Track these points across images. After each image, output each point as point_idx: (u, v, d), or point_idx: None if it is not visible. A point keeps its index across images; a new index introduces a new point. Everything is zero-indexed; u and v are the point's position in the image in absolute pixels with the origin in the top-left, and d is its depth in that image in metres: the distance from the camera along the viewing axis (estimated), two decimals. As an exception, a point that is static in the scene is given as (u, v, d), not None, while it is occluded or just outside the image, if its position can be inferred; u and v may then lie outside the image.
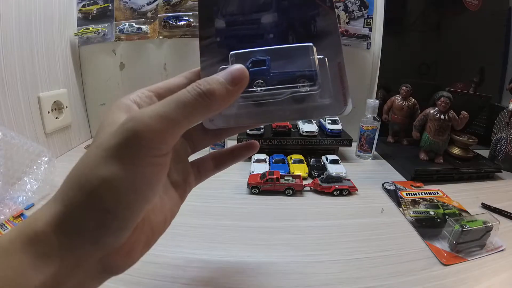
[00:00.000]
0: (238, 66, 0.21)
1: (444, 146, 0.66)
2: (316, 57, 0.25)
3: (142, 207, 0.19)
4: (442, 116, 0.64)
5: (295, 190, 0.57)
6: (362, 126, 0.75)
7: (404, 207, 0.53)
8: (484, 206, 0.53)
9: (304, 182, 0.59)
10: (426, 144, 0.67)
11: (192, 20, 0.78)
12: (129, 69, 0.84)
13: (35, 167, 0.53)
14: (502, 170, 0.68)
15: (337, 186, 0.56)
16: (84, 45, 0.81)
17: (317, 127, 0.75)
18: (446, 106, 0.63)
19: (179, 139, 0.20)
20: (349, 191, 0.57)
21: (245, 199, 0.55)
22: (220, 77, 0.20)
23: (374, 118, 0.73)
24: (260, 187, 0.56)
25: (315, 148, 0.75)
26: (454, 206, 0.53)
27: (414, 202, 0.54)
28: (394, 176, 0.67)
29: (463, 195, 0.57)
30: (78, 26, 0.79)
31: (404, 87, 0.75)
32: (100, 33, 0.79)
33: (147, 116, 0.18)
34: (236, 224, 0.47)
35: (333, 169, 0.63)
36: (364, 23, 0.81)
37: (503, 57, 0.87)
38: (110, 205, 0.17)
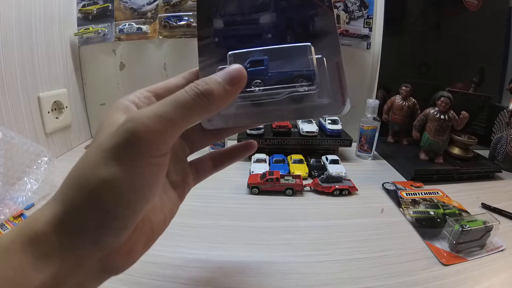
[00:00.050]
0: (236, 66, 0.21)
1: (444, 146, 0.66)
2: (314, 56, 0.25)
3: (142, 207, 0.19)
4: (442, 116, 0.64)
5: (295, 190, 0.57)
6: (362, 126, 0.75)
7: (404, 207, 0.53)
8: (484, 206, 0.53)
9: (304, 182, 0.59)
10: (426, 144, 0.67)
11: (192, 20, 0.78)
12: (129, 69, 0.84)
13: (35, 167, 0.53)
14: (502, 170, 0.68)
15: (337, 186, 0.56)
16: (84, 45, 0.81)
17: (317, 127, 0.75)
18: (446, 106, 0.63)
19: (177, 139, 0.20)
20: (349, 191, 0.57)
21: (245, 199, 0.55)
22: (218, 77, 0.20)
23: (374, 118, 0.73)
24: (260, 187, 0.56)
25: (315, 148, 0.75)
26: (454, 206, 0.53)
27: (414, 202, 0.54)
28: (394, 176, 0.67)
29: (463, 195, 0.57)
30: (78, 26, 0.79)
31: (404, 87, 0.75)
32: (100, 33, 0.79)
33: (145, 117, 0.18)
34: (236, 224, 0.47)
35: (333, 169, 0.63)
36: (364, 23, 0.81)
37: (503, 57, 0.87)
38: (110, 205, 0.18)
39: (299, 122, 0.78)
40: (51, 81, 0.71)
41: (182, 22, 0.78)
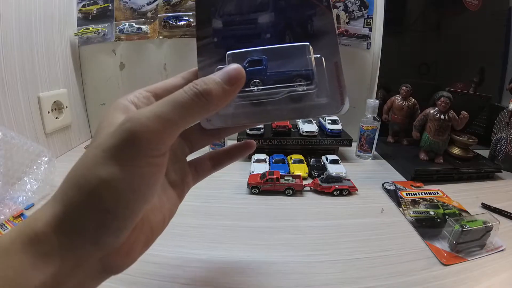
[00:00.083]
0: (234, 66, 0.21)
1: (444, 146, 0.66)
2: (313, 56, 0.25)
3: (141, 207, 0.19)
4: (442, 116, 0.64)
5: (295, 190, 0.57)
6: (362, 126, 0.75)
7: (404, 207, 0.53)
8: (484, 206, 0.53)
9: (304, 182, 0.59)
10: (426, 144, 0.67)
11: (192, 20, 0.78)
12: (129, 69, 0.84)
13: (35, 167, 0.53)
14: (502, 170, 0.68)
15: (337, 186, 0.56)
16: (84, 45, 0.81)
17: (317, 127, 0.75)
18: (446, 106, 0.63)
19: (176, 139, 0.20)
20: (349, 191, 0.57)
21: (245, 199, 0.55)
22: (216, 77, 0.20)
23: (374, 118, 0.73)
24: (260, 187, 0.56)
25: (315, 148, 0.75)
26: (454, 206, 0.53)
27: (414, 202, 0.54)
28: (394, 176, 0.67)
29: (463, 195, 0.57)
30: (78, 26, 0.79)
31: (404, 87, 0.75)
32: (100, 33, 0.80)
33: (144, 117, 0.18)
34: (236, 224, 0.47)
35: (333, 169, 0.63)
36: (364, 23, 0.81)
37: (503, 57, 0.87)
38: (110, 205, 0.18)
39: (299, 122, 0.78)
40: (51, 81, 0.71)
41: (182, 22, 0.78)
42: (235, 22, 0.26)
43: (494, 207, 0.52)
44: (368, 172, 0.69)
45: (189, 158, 0.30)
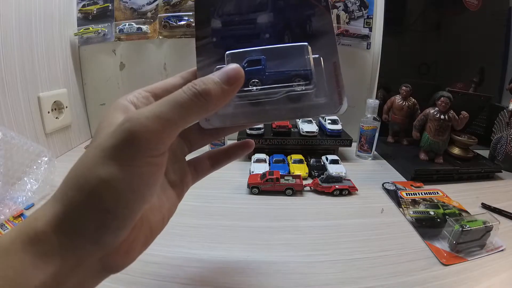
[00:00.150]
0: (233, 66, 0.21)
1: (444, 146, 0.66)
2: (312, 56, 0.25)
3: (141, 207, 0.19)
4: (442, 116, 0.64)
5: (295, 190, 0.57)
6: (362, 126, 0.75)
7: (404, 207, 0.53)
8: (484, 206, 0.53)
9: (304, 182, 0.59)
10: (426, 144, 0.67)
11: (192, 20, 0.78)
12: (129, 69, 0.84)
13: (35, 167, 0.53)
14: (502, 170, 0.68)
15: (337, 186, 0.56)
16: (84, 45, 0.81)
17: (317, 127, 0.75)
18: (446, 106, 0.63)
19: (175, 139, 0.21)
20: (349, 191, 0.57)
21: (245, 199, 0.55)
22: (215, 77, 0.20)
23: (374, 118, 0.73)
24: (260, 187, 0.56)
25: (315, 148, 0.75)
26: (454, 206, 0.53)
27: (414, 202, 0.54)
28: (394, 176, 0.67)
29: (463, 195, 0.57)
30: (78, 26, 0.79)
31: (404, 87, 0.75)
32: (100, 33, 0.80)
33: (144, 117, 0.18)
34: (236, 224, 0.47)
35: (333, 169, 0.63)
36: (364, 23, 0.81)
37: (503, 57, 0.87)
38: (110, 205, 0.18)
39: (299, 122, 0.78)
40: (51, 81, 0.71)
41: (182, 22, 0.78)
42: (234, 22, 0.26)
43: (494, 207, 0.52)
44: (368, 172, 0.69)
45: (188, 157, 0.30)
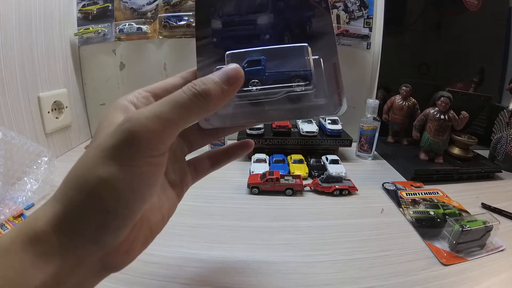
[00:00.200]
0: (233, 66, 0.21)
1: (444, 146, 0.66)
2: (311, 57, 0.25)
3: (141, 206, 0.19)
4: (442, 116, 0.64)
5: (295, 190, 0.57)
6: (362, 126, 0.75)
7: (404, 207, 0.53)
8: (484, 206, 0.53)
9: (304, 182, 0.59)
10: (426, 144, 0.67)
11: (192, 20, 0.78)
12: (129, 69, 0.84)
13: (35, 167, 0.53)
14: (502, 170, 0.68)
15: (337, 186, 0.56)
16: (84, 45, 0.81)
17: (317, 127, 0.75)
18: (446, 106, 0.63)
19: (175, 139, 0.21)
20: (349, 191, 0.57)
21: (245, 199, 0.55)
22: (215, 77, 0.21)
23: (374, 118, 0.73)
24: (260, 187, 0.56)
25: (315, 148, 0.75)
26: (454, 206, 0.53)
27: (414, 202, 0.54)
28: (394, 176, 0.67)
29: (463, 195, 0.57)
30: (78, 26, 0.79)
31: (404, 87, 0.75)
32: (100, 33, 0.80)
33: (144, 117, 0.18)
34: (236, 224, 0.47)
35: (333, 169, 0.63)
36: (364, 23, 0.81)
37: (503, 57, 0.87)
38: (110, 205, 0.18)
39: (299, 122, 0.78)
40: (51, 81, 0.71)
41: (182, 22, 0.78)
42: (234, 22, 0.26)
43: (494, 207, 0.52)
44: (368, 172, 0.69)
45: (188, 157, 0.30)
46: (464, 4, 0.81)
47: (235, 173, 0.64)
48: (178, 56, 0.82)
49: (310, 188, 0.59)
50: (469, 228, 0.40)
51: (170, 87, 0.25)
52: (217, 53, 0.26)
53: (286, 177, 0.58)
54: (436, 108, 0.65)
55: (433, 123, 0.65)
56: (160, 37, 0.80)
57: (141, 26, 0.79)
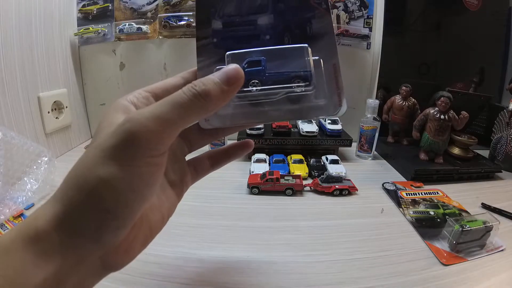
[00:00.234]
0: (233, 66, 0.21)
1: (444, 146, 0.66)
2: (311, 58, 0.25)
3: (141, 206, 0.19)
4: (442, 116, 0.64)
5: (295, 190, 0.57)
6: (362, 126, 0.75)
7: (404, 207, 0.53)
8: (484, 206, 0.53)
9: (304, 182, 0.59)
10: (426, 144, 0.67)
11: (192, 20, 0.78)
12: (129, 69, 0.84)
13: (35, 167, 0.53)
14: (502, 170, 0.68)
15: (337, 186, 0.56)
16: (84, 45, 0.81)
17: (317, 127, 0.75)
18: (446, 106, 0.63)
19: (175, 139, 0.21)
20: (349, 191, 0.57)
21: (245, 199, 0.55)
22: (215, 77, 0.21)
23: (374, 118, 0.73)
24: (260, 187, 0.56)
25: (315, 148, 0.75)
26: (454, 206, 0.53)
27: (414, 202, 0.54)
28: (394, 176, 0.67)
29: (463, 195, 0.57)
30: (78, 26, 0.79)
31: (404, 87, 0.75)
32: (100, 33, 0.80)
33: (144, 117, 0.18)
34: (236, 224, 0.47)
35: (333, 169, 0.63)
36: (364, 23, 0.81)
37: (503, 57, 0.87)
38: (110, 205, 0.18)
39: (299, 122, 0.78)
40: (51, 81, 0.71)
41: (182, 22, 0.78)
42: (234, 23, 0.26)
43: (494, 207, 0.52)
44: (368, 172, 0.69)
45: (188, 157, 0.30)
46: (464, 4, 0.81)
47: (235, 173, 0.64)
48: (178, 56, 0.82)
49: (310, 188, 0.59)
50: (469, 228, 0.40)
51: (170, 87, 0.25)
52: (217, 53, 0.26)
53: (286, 177, 0.58)
54: (436, 108, 0.65)
55: (433, 123, 0.65)
56: (160, 37, 0.80)
57: (141, 26, 0.79)
